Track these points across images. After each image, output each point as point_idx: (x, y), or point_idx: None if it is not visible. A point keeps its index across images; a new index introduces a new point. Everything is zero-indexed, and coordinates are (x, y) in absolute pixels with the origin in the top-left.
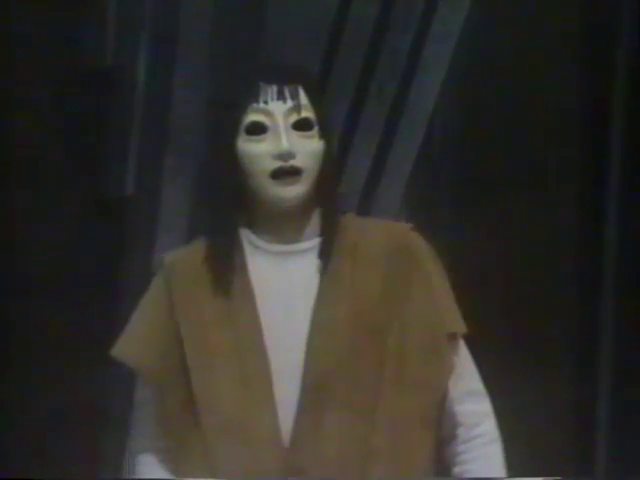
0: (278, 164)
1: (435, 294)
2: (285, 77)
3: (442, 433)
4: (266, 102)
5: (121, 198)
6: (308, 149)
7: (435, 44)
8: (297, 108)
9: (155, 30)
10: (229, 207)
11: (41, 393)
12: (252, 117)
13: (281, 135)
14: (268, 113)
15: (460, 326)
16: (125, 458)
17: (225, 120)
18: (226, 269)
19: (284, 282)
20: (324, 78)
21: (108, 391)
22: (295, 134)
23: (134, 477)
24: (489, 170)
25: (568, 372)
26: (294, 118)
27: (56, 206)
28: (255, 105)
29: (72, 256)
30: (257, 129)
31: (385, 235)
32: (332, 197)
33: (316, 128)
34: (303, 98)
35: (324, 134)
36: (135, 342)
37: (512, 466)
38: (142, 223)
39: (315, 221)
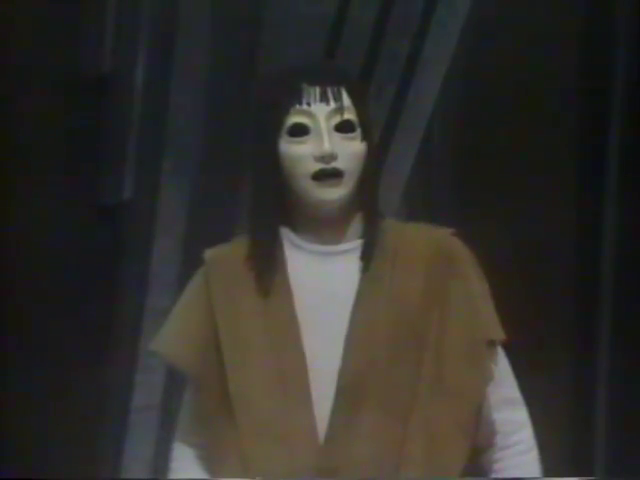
0: (320, 166)
1: (474, 300)
2: (328, 79)
3: (478, 440)
4: (309, 104)
5: (119, 202)
6: (350, 151)
7: (434, 46)
8: (340, 110)
9: (153, 35)
10: (270, 207)
11: (38, 395)
12: (294, 119)
13: (323, 137)
14: (310, 115)
15: (499, 333)
16: (121, 459)
17: (267, 121)
18: (266, 267)
19: (323, 282)
20: None
21: (105, 393)
22: (337, 136)
23: (167, 472)
24: (487, 171)
25: (566, 374)
26: (336, 120)
27: (54, 210)
28: (298, 107)
29: (70, 259)
30: (299, 131)
31: (425, 240)
32: (374, 199)
33: (358, 130)
34: (346, 100)
35: (366, 136)
36: (173, 337)
37: None
38: (140, 227)
39: (356, 223)
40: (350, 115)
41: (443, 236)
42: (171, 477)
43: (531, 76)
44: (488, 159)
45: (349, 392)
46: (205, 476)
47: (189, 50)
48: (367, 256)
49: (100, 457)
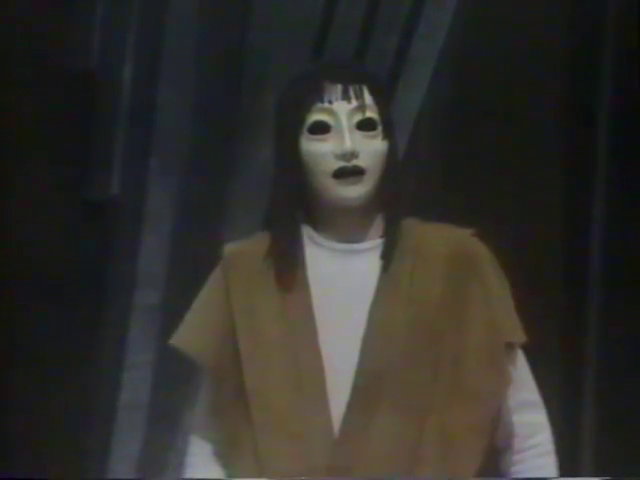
0: (341, 164)
1: (494, 302)
2: (350, 76)
3: (497, 442)
4: (330, 102)
5: (106, 199)
6: (371, 149)
7: (421, 44)
8: (361, 108)
9: (140, 32)
10: (291, 204)
11: (25, 392)
12: (316, 116)
13: (344, 135)
14: (332, 113)
15: (519, 336)
16: (108, 457)
17: (289, 119)
18: (286, 264)
19: (342, 280)
20: None
21: (92, 390)
22: (359, 134)
23: (182, 467)
24: (474, 169)
25: (552, 377)
26: (358, 118)
27: (41, 207)
28: (319, 104)
29: (57, 256)
30: (320, 128)
31: (445, 240)
32: (395, 198)
33: (380, 128)
34: (367, 98)
35: (387, 134)
36: (192, 331)
37: None
38: (127, 224)
39: (377, 222)
40: (371, 113)
41: (464, 237)
42: (187, 471)
43: (518, 73)
44: (475, 157)
45: (365, 391)
46: (221, 472)
47: (176, 47)
48: (387, 255)
49: (87, 455)
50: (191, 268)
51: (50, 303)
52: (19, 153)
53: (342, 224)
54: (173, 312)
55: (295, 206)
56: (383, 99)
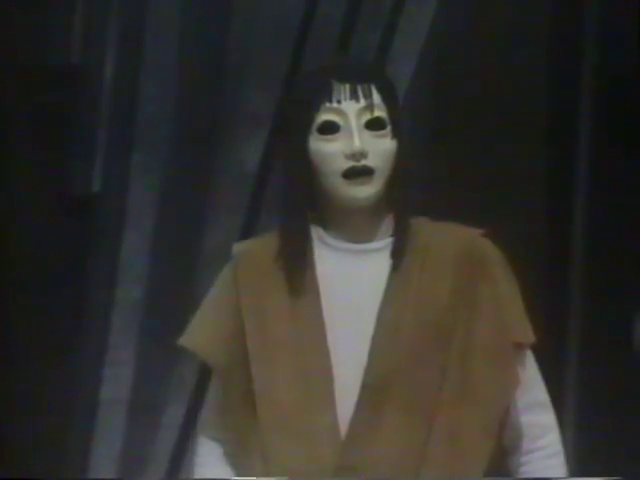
0: (350, 164)
1: (503, 302)
2: (358, 76)
3: (505, 443)
4: (339, 101)
5: (87, 195)
6: (380, 149)
7: (403, 40)
8: (370, 107)
9: (122, 27)
10: (301, 204)
11: (3, 387)
12: (324, 116)
13: (353, 134)
14: (341, 112)
15: (528, 336)
16: (89, 453)
17: (297, 119)
18: (295, 265)
19: (351, 280)
20: (292, 76)
21: (73, 386)
22: (367, 134)
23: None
24: (456, 166)
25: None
26: (367, 117)
27: (23, 203)
28: (328, 104)
29: (39, 253)
30: (329, 128)
31: (455, 240)
32: (405, 197)
33: (389, 128)
34: (376, 97)
35: (397, 134)
36: (201, 332)
37: None
38: (109, 220)
39: (387, 222)
40: (380, 112)
41: (473, 237)
42: (196, 471)
43: (500, 71)
44: (457, 153)
45: (373, 391)
46: (230, 471)
47: (159, 44)
48: (397, 255)
49: (68, 451)
50: (173, 264)
51: (31, 298)
52: (0, 149)
53: (351, 224)
54: (155, 308)
55: (305, 206)
56: (392, 98)
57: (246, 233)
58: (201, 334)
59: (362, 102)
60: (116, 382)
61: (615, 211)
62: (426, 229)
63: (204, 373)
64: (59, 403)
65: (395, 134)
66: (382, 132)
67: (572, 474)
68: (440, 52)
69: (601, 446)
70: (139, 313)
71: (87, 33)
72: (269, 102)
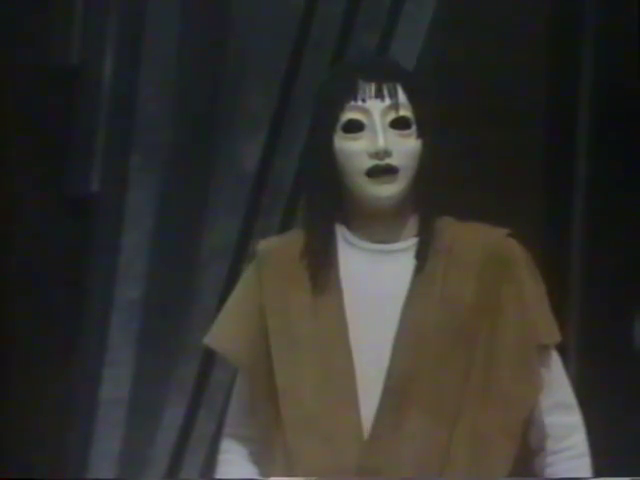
0: (374, 162)
1: (528, 304)
2: (384, 75)
3: (530, 444)
4: (364, 100)
5: (87, 196)
6: (405, 148)
7: (402, 42)
8: (395, 106)
9: (121, 28)
10: (325, 203)
11: (3, 388)
12: (349, 115)
13: (378, 133)
14: (365, 111)
15: (553, 337)
16: (89, 452)
17: (322, 117)
18: (319, 264)
19: (375, 280)
20: (291, 76)
21: (73, 386)
22: (392, 133)
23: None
24: (455, 165)
25: None
26: (392, 116)
27: (22, 203)
28: (353, 103)
29: (38, 252)
30: (354, 127)
31: (480, 240)
32: (429, 197)
33: (414, 127)
34: (401, 96)
35: (422, 133)
36: (225, 331)
37: None
38: (108, 220)
39: (412, 222)
40: (405, 112)
41: (499, 237)
42: (220, 470)
43: (499, 70)
44: (456, 152)
45: (396, 392)
46: (254, 470)
47: (158, 44)
48: (421, 255)
49: (68, 450)
50: (172, 264)
51: (30, 299)
52: (0, 149)
53: (376, 224)
54: (154, 308)
55: (330, 205)
56: (418, 97)
57: (245, 233)
58: (225, 333)
59: (387, 101)
60: (116, 382)
61: (615, 211)
62: (451, 229)
63: (204, 373)
64: (59, 403)
65: (420, 133)
66: (407, 131)
67: (597, 474)
68: (439, 52)
69: (601, 445)
70: (138, 313)
71: (87, 33)
72: (269, 102)
